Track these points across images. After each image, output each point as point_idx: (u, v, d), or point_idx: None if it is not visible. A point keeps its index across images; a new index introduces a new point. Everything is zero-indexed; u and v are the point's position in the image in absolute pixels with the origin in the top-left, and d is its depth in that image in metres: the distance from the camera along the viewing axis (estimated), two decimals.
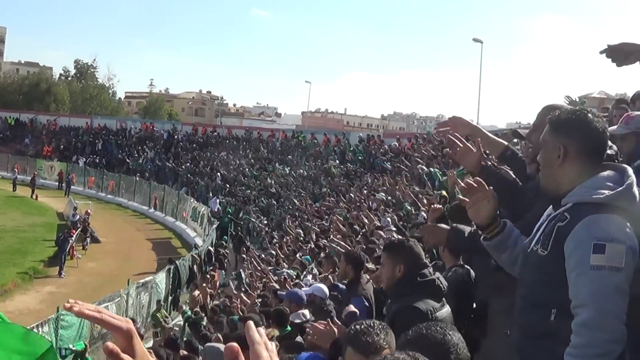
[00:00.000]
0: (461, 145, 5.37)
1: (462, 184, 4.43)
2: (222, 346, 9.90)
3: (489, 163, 5.43)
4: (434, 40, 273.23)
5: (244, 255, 31.33)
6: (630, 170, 3.72)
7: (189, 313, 19.21)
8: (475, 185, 4.25)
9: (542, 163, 3.93)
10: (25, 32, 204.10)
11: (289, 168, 50.71)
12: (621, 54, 5.18)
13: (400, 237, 8.74)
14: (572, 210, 3.60)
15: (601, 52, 5.35)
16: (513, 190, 5.38)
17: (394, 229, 18.06)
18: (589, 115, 3.78)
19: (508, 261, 4.15)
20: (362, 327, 3.61)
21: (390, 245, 6.03)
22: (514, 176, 5.92)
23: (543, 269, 3.67)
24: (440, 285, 5.39)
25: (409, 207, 22.01)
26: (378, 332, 3.50)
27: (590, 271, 3.32)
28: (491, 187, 4.29)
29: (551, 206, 3.86)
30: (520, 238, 4.15)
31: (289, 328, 10.35)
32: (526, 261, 3.92)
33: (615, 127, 5.87)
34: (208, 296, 23.08)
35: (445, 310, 5.20)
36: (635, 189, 3.59)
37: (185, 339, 16.89)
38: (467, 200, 4.29)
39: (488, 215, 4.16)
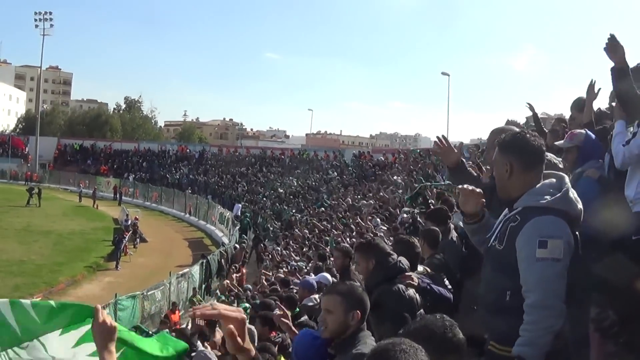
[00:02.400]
0: (445, 145, 5.31)
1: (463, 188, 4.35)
2: (209, 353, 9.97)
3: (464, 160, 5.58)
4: (411, 75, 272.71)
5: (261, 253, 31.61)
6: (567, 178, 3.83)
7: (223, 298, 19.37)
8: (469, 189, 4.24)
9: (496, 178, 3.97)
10: (87, 76, 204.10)
11: (296, 179, 50.80)
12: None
13: (367, 238, 8.64)
14: (522, 213, 3.65)
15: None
16: (476, 184, 4.96)
17: (383, 227, 18.32)
18: (528, 135, 3.84)
19: (479, 241, 4.22)
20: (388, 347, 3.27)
21: (361, 245, 6.07)
22: (476, 173, 6.04)
23: (499, 260, 3.71)
24: (402, 266, 5.43)
25: (392, 210, 22.30)
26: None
27: (537, 262, 3.42)
28: (480, 190, 4.31)
29: (507, 209, 3.89)
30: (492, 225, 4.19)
31: (297, 309, 10.76)
32: (487, 254, 3.95)
33: (562, 141, 5.94)
34: (235, 282, 23.27)
35: (412, 291, 5.20)
36: (570, 193, 3.70)
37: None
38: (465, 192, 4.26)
39: (475, 208, 4.21)
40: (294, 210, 41.23)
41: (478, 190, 4.22)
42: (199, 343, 12.27)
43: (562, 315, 3.37)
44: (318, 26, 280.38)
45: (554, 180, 3.78)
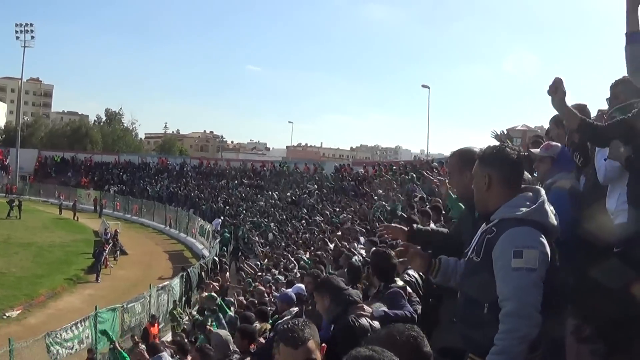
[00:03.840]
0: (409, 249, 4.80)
1: (398, 251, 4.50)
2: (223, 332, 10.09)
3: (420, 228, 5.49)
4: (391, 87, 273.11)
5: (241, 265, 31.61)
6: (542, 192, 3.84)
7: (197, 316, 19.40)
8: (405, 249, 4.38)
9: (475, 190, 3.95)
10: (68, 88, 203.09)
11: (277, 193, 50.84)
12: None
13: (320, 276, 8.51)
14: (498, 225, 3.65)
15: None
16: (447, 240, 5.31)
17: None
18: (507, 149, 3.89)
19: (455, 285, 4.13)
20: (289, 324, 3.34)
21: (316, 284, 6.21)
22: (444, 230, 5.96)
23: (477, 273, 3.70)
24: (353, 299, 5.58)
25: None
26: (302, 327, 3.25)
27: (513, 272, 3.42)
28: (418, 247, 4.44)
29: (484, 223, 3.86)
30: (458, 264, 4.20)
31: (270, 321, 10.94)
32: (465, 267, 3.96)
33: (537, 150, 6.02)
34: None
35: (365, 320, 5.29)
36: (546, 205, 3.72)
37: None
38: (404, 259, 4.50)
39: (422, 265, 4.31)
40: (272, 224, 41.25)
41: (414, 249, 4.40)
42: (164, 353, 12.46)
43: (537, 325, 3.37)
44: (299, 39, 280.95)
45: (530, 193, 3.80)
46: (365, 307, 5.45)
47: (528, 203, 3.70)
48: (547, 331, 3.55)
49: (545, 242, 3.54)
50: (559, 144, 6.12)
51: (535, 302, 3.40)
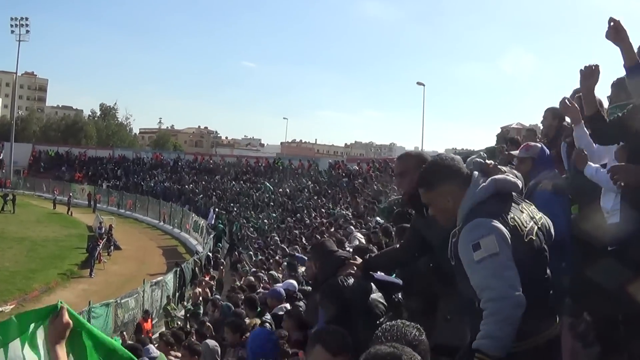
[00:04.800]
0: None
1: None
2: (211, 342, 10.10)
3: (370, 258, 5.46)
4: (386, 84, 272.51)
5: (236, 262, 31.53)
6: (474, 176, 3.78)
7: (189, 307, 19.35)
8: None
9: (440, 212, 3.89)
10: (62, 82, 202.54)
11: (272, 188, 50.73)
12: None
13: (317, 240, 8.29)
14: (460, 228, 3.64)
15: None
16: (397, 262, 5.42)
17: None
18: (444, 160, 3.91)
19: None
20: (331, 330, 3.41)
21: (309, 250, 6.10)
22: (395, 248, 5.96)
23: (458, 274, 3.69)
24: (342, 257, 5.39)
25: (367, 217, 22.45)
26: (344, 337, 3.29)
27: (478, 265, 3.42)
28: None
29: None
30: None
31: (259, 309, 10.98)
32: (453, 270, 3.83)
33: (517, 151, 6.04)
34: (208, 290, 23.40)
35: (353, 280, 5.07)
36: (480, 184, 3.70)
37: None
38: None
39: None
40: (265, 220, 41.28)
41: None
42: (150, 345, 12.45)
43: (519, 305, 3.32)
44: (295, 35, 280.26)
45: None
46: (355, 264, 5.26)
47: (474, 191, 3.71)
48: (540, 328, 3.56)
49: (498, 224, 3.50)
50: (539, 144, 6.16)
51: (510, 282, 3.37)
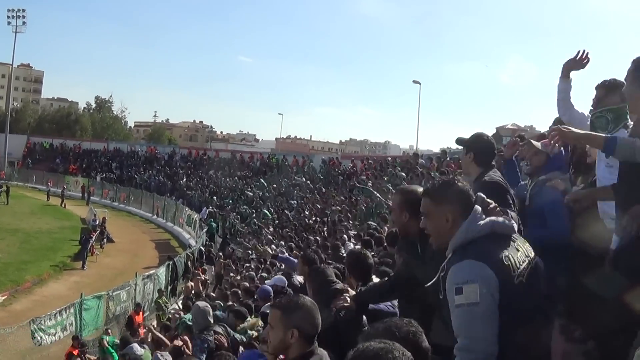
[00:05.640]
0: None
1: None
2: (202, 305, 10.05)
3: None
4: (382, 82, 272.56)
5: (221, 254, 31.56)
6: (476, 209, 3.71)
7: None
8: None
9: (434, 231, 3.83)
10: (58, 74, 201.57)
11: (266, 184, 50.54)
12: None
13: (317, 265, 7.96)
14: (448, 261, 3.60)
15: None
16: (386, 297, 5.44)
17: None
18: (458, 183, 3.82)
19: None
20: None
21: (308, 273, 5.95)
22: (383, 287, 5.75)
23: (444, 309, 3.64)
24: (337, 289, 5.39)
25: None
26: None
27: (457, 309, 3.40)
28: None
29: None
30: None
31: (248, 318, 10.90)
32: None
33: (538, 143, 5.92)
34: (201, 285, 23.39)
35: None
36: (478, 221, 3.63)
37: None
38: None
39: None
40: (254, 216, 41.12)
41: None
42: (134, 344, 12.43)
43: (489, 356, 3.33)
44: (292, 31, 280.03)
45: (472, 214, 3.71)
46: (348, 296, 5.23)
47: (471, 225, 3.65)
48: (537, 342, 3.54)
49: (486, 270, 3.42)
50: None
51: (484, 335, 3.35)
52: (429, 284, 4.00)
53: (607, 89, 5.47)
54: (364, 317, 5.18)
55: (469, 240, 3.59)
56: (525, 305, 3.47)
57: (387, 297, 5.47)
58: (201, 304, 9.93)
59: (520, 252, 3.64)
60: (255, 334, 9.72)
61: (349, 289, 5.47)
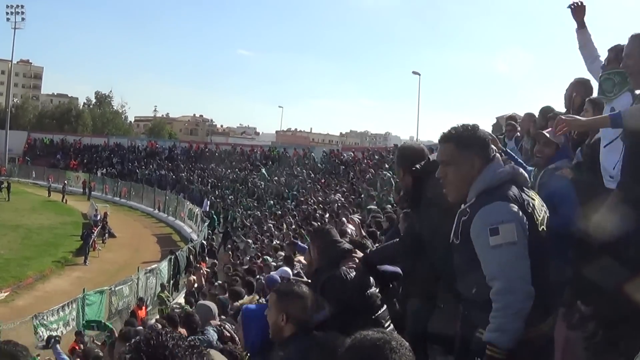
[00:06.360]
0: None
1: None
2: (209, 303, 10.07)
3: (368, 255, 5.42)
4: (381, 73, 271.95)
5: (229, 246, 31.56)
6: (497, 156, 3.79)
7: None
8: None
9: (457, 178, 3.79)
10: (58, 69, 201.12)
11: (267, 175, 50.50)
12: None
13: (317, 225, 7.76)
14: (472, 205, 3.61)
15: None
16: (395, 258, 5.40)
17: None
18: (480, 129, 3.83)
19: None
20: None
21: (309, 233, 5.87)
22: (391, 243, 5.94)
23: (460, 255, 3.69)
24: (346, 249, 5.25)
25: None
26: None
27: (492, 250, 3.39)
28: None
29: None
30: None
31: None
32: (452, 250, 3.84)
33: (548, 130, 5.88)
34: (203, 279, 23.41)
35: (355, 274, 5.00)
36: (502, 167, 3.71)
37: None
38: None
39: None
40: (257, 208, 41.10)
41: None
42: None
43: (529, 298, 3.35)
44: (291, 23, 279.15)
45: (495, 162, 3.77)
46: (357, 257, 5.21)
47: (495, 170, 3.69)
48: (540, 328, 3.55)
49: (519, 211, 3.49)
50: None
51: (523, 275, 3.37)
52: (433, 238, 4.06)
53: (616, 52, 5.49)
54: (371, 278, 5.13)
55: (493, 185, 3.65)
56: (543, 257, 3.57)
57: (395, 257, 5.45)
58: (207, 302, 9.96)
59: (537, 202, 3.73)
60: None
61: (356, 250, 5.42)
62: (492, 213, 3.47)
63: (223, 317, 9.75)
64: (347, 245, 5.42)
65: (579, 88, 6.83)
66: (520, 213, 3.49)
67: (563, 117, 4.57)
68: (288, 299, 4.15)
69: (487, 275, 3.44)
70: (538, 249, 3.49)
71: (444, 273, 4.38)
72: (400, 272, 5.43)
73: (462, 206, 3.74)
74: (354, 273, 4.97)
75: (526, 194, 3.69)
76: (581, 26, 6.10)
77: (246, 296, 11.65)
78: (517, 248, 3.39)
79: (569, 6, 6.03)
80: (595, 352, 4.52)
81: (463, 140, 3.79)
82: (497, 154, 3.83)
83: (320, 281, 4.88)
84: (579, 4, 5.97)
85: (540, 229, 3.59)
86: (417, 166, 4.64)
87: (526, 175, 3.84)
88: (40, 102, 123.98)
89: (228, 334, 9.08)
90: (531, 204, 3.62)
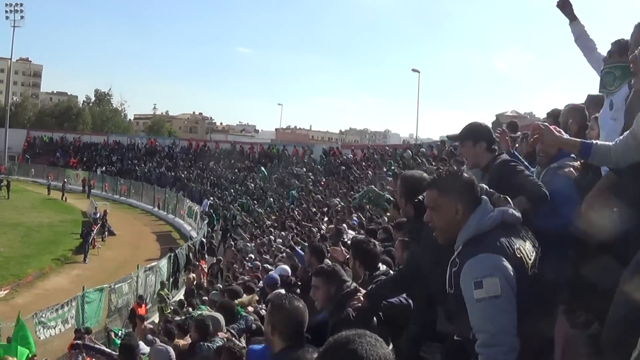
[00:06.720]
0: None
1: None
2: (217, 314, 10.04)
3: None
4: (381, 71, 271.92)
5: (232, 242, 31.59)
6: (483, 200, 3.72)
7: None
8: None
9: (441, 224, 3.79)
10: (57, 67, 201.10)
11: (267, 174, 50.42)
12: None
13: (329, 264, 7.93)
14: (460, 255, 3.59)
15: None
16: (397, 291, 5.46)
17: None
18: (464, 174, 3.82)
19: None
20: None
21: (323, 271, 5.62)
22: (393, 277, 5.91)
23: (455, 303, 3.65)
24: (351, 290, 5.34)
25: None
26: None
27: (477, 303, 3.37)
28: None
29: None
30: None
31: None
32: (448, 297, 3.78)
33: (519, 133, 6.04)
34: (203, 275, 23.48)
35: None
36: (488, 211, 3.63)
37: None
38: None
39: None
40: (257, 207, 41.09)
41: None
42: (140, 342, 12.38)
43: (513, 350, 3.31)
44: (290, 20, 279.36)
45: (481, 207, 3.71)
46: (361, 297, 5.25)
47: (482, 217, 3.63)
48: (540, 331, 3.57)
49: (504, 264, 3.42)
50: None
51: (506, 328, 3.34)
52: (432, 272, 4.04)
53: (619, 45, 5.46)
54: (379, 313, 5.23)
55: (480, 232, 3.58)
56: (536, 295, 3.49)
57: (397, 290, 5.47)
58: (215, 313, 9.98)
59: (528, 242, 3.66)
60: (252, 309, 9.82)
61: (360, 288, 5.44)
62: (477, 266, 3.44)
63: (230, 328, 9.71)
64: (353, 285, 5.48)
65: (574, 115, 6.79)
66: (506, 264, 3.43)
67: (542, 125, 4.52)
68: (275, 311, 4.23)
69: (473, 327, 3.44)
70: (528, 293, 3.44)
71: (442, 303, 4.36)
72: (411, 304, 5.46)
73: (452, 256, 3.70)
74: (360, 314, 5.05)
75: (515, 239, 3.61)
76: (572, 19, 6.27)
77: (245, 295, 11.64)
78: (500, 302, 3.36)
79: (556, 4, 6.25)
80: (598, 351, 4.51)
81: (444, 186, 3.78)
82: (485, 197, 3.76)
83: (330, 326, 4.94)
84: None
85: (530, 273, 3.52)
86: (420, 197, 4.62)
87: (518, 214, 3.77)
88: (39, 100, 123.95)
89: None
90: (521, 249, 3.56)
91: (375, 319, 5.24)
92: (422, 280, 4.75)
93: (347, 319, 4.95)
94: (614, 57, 5.46)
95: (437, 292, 4.31)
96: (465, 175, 3.80)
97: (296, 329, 4.18)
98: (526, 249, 3.59)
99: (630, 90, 4.88)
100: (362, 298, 5.21)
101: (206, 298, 17.98)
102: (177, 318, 15.66)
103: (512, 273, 3.41)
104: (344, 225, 18.29)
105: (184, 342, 10.08)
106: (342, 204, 25.86)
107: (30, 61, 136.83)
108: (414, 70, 58.28)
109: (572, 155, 5.60)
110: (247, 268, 20.30)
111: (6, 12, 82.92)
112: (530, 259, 3.55)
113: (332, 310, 5.21)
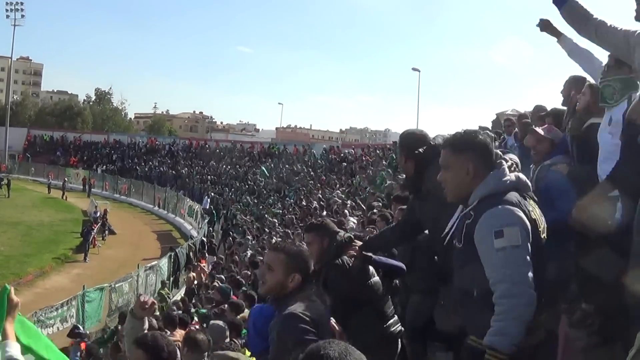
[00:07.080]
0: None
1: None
2: (222, 323, 9.99)
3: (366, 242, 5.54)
4: (381, 69, 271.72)
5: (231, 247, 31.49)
6: (502, 163, 3.77)
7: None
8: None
9: (453, 182, 3.79)
10: (57, 66, 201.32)
11: (267, 173, 50.38)
12: None
13: (318, 219, 7.68)
14: (475, 208, 3.59)
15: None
16: (394, 242, 5.66)
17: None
18: (479, 135, 3.80)
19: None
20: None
21: (315, 226, 5.68)
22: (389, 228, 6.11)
23: (461, 258, 3.67)
24: (347, 240, 5.34)
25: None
26: None
27: (497, 253, 3.36)
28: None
29: (461, 206, 3.83)
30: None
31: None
32: (450, 251, 3.87)
33: (541, 129, 5.93)
34: (203, 274, 23.44)
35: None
36: (506, 175, 3.68)
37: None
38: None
39: None
40: (257, 204, 41.07)
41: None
42: None
43: (531, 303, 3.31)
44: (290, 19, 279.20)
45: (499, 168, 3.74)
46: (357, 247, 5.26)
47: (500, 178, 3.67)
48: (545, 323, 3.59)
49: (523, 216, 3.49)
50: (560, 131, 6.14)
51: (526, 279, 3.34)
52: (432, 227, 4.04)
53: (617, 58, 5.42)
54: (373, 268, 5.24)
55: (497, 192, 3.62)
56: (542, 264, 3.55)
57: (391, 241, 5.56)
58: (220, 322, 9.91)
59: (538, 210, 3.73)
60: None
61: (355, 239, 5.46)
62: (497, 216, 3.46)
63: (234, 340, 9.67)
64: (347, 235, 5.47)
65: (577, 86, 6.77)
66: (524, 218, 3.48)
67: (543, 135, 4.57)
68: (297, 257, 4.05)
69: (491, 278, 3.40)
70: (538, 256, 3.48)
71: (444, 269, 4.38)
72: (404, 267, 5.47)
73: (465, 209, 3.74)
74: (355, 261, 5.09)
75: (528, 203, 3.68)
76: (558, 35, 6.28)
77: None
78: (520, 251, 3.37)
79: (537, 26, 6.28)
80: (594, 347, 4.50)
81: (458, 145, 3.80)
82: (504, 162, 3.79)
83: (324, 275, 4.95)
84: (542, 20, 6.21)
85: (542, 236, 3.59)
86: (419, 150, 4.63)
87: (529, 183, 3.84)
88: (40, 99, 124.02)
89: None
90: (535, 212, 3.64)
91: (380, 271, 5.29)
92: (420, 235, 4.92)
93: (343, 267, 5.00)
94: (612, 70, 5.42)
95: (438, 255, 4.32)
96: (480, 136, 3.80)
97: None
98: (537, 213, 3.68)
99: (628, 105, 4.85)
100: (356, 249, 5.23)
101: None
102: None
103: (529, 227, 3.48)
104: (346, 212, 18.38)
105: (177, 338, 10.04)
106: (342, 197, 25.94)
107: (31, 60, 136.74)
108: (414, 69, 58.09)
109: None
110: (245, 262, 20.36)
111: (7, 10, 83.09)
112: (541, 224, 3.65)
113: (327, 262, 5.17)
